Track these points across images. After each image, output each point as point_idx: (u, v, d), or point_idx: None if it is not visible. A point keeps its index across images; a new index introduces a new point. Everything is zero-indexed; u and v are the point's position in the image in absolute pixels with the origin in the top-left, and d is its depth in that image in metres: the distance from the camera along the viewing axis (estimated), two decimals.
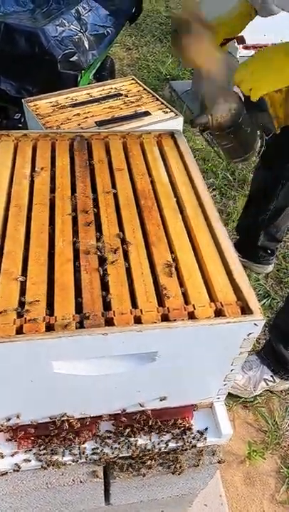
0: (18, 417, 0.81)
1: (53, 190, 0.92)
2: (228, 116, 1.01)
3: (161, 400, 0.86)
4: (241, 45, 2.65)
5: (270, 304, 1.97)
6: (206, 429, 0.90)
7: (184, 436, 0.88)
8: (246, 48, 2.66)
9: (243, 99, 1.00)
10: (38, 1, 2.71)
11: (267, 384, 1.62)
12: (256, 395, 1.63)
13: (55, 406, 0.82)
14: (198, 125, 1.04)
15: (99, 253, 0.78)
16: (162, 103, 2.01)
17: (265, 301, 1.98)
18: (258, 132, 1.10)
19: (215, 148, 1.13)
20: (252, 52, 2.64)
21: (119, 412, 0.87)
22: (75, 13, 2.50)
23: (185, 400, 0.90)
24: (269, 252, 1.96)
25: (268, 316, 1.91)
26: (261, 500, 1.40)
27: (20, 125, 2.47)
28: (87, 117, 1.92)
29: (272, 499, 1.41)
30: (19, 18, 2.46)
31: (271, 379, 1.61)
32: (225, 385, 0.86)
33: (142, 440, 0.88)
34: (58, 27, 2.32)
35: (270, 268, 2.06)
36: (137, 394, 0.83)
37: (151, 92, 2.10)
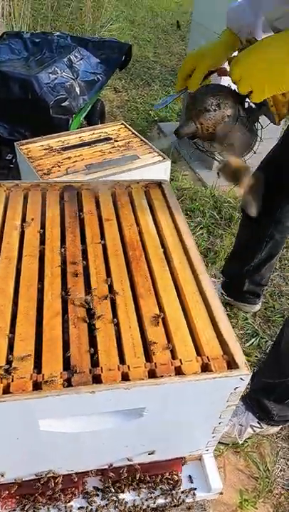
0: (2, 475, 0.79)
1: (42, 241, 0.94)
2: (221, 124, 0.89)
3: (149, 454, 0.85)
4: (222, 77, 2.79)
5: (258, 344, 1.98)
6: (195, 488, 0.88)
7: (173, 492, 0.87)
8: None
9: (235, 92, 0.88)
10: (32, 50, 2.84)
11: (254, 430, 1.60)
12: (246, 439, 1.61)
13: (41, 463, 0.80)
14: (184, 136, 0.94)
15: (87, 306, 0.79)
16: (150, 147, 2.09)
17: (253, 340, 1.98)
18: (255, 128, 0.99)
19: (207, 154, 1.05)
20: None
21: (107, 467, 0.85)
22: (67, 62, 2.63)
23: (173, 454, 0.89)
24: (255, 294, 1.99)
25: (256, 356, 1.91)
26: None
27: (11, 165, 2.53)
28: (77, 161, 1.98)
29: None
30: (14, 65, 2.57)
31: (258, 425, 1.58)
32: (214, 437, 0.86)
33: (129, 496, 0.86)
34: (50, 74, 2.43)
35: (257, 307, 2.08)
36: (124, 449, 0.82)
37: (140, 136, 2.18)
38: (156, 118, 3.86)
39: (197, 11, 3.00)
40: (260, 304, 2.09)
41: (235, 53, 1.04)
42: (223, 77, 1.06)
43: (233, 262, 1.92)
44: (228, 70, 0.89)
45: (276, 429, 1.65)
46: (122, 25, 5.70)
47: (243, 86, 0.84)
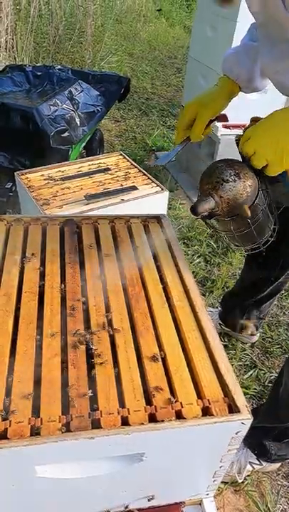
0: None
1: (42, 276, 0.94)
2: (242, 196, 0.79)
3: (148, 500, 0.82)
4: (222, 124, 2.87)
5: (257, 375, 1.96)
6: None
7: None
8: (226, 126, 2.89)
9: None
10: (34, 82, 2.93)
11: (253, 468, 1.56)
12: (246, 476, 1.57)
13: (36, 510, 0.77)
14: (202, 212, 0.81)
15: (86, 345, 0.79)
16: (148, 178, 2.13)
17: (251, 372, 1.96)
18: (273, 210, 0.90)
19: (223, 237, 0.94)
20: (233, 131, 2.86)
21: None
22: (68, 94, 2.70)
23: (173, 498, 0.86)
24: (253, 326, 1.99)
25: (255, 389, 1.89)
26: None
27: (11, 194, 2.55)
28: (76, 191, 2.00)
29: None
30: (15, 97, 2.64)
31: (257, 462, 1.55)
32: (214, 481, 0.83)
33: None
34: (51, 106, 2.49)
35: (255, 338, 2.07)
36: (123, 494, 0.79)
37: (138, 167, 2.22)
38: (153, 147, 3.94)
39: (194, 48, 3.13)
40: (258, 334, 2.08)
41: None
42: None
43: (234, 297, 1.92)
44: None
45: (276, 465, 1.61)
46: (121, 58, 5.91)
47: (258, 159, 0.80)
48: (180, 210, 2.97)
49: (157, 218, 1.18)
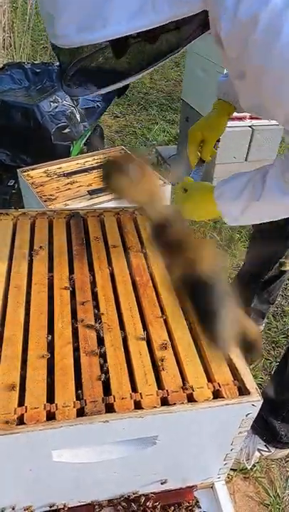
0: (13, 508, 0.78)
1: (51, 268, 0.96)
2: None
3: (161, 484, 0.84)
4: None
5: (263, 365, 1.97)
6: None
7: None
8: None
9: None
10: (33, 79, 2.93)
11: (262, 454, 1.58)
12: (255, 463, 1.58)
13: (53, 494, 0.79)
14: None
15: (97, 334, 0.80)
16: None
17: (257, 361, 1.98)
18: None
19: None
20: (232, 122, 2.85)
21: (119, 497, 0.84)
22: None
23: (186, 482, 0.88)
24: (260, 314, 2.00)
25: (261, 378, 1.90)
26: None
27: (13, 191, 2.57)
28: (79, 186, 2.01)
29: None
30: (15, 95, 2.65)
31: (266, 448, 1.56)
32: (225, 464, 0.85)
33: None
34: (51, 103, 2.50)
35: (260, 328, 2.09)
36: (136, 478, 0.81)
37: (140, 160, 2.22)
38: (154, 142, 3.94)
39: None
40: (263, 324, 2.09)
41: None
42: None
43: (241, 279, 1.93)
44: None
45: (284, 452, 1.63)
46: None
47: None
48: None
49: None
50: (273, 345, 2.05)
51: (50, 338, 0.79)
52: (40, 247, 1.01)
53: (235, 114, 3.61)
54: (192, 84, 3.13)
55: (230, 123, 3.22)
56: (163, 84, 5.61)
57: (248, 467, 1.54)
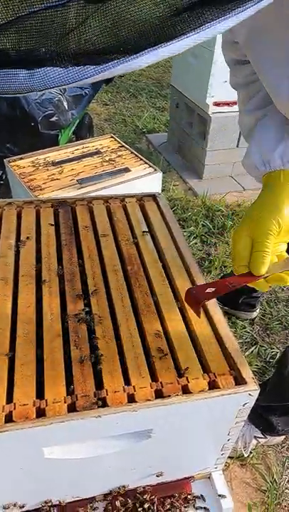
0: (4, 508, 0.76)
1: (39, 259, 0.92)
2: None
3: (157, 476, 0.82)
4: (213, 102, 2.82)
5: (258, 352, 1.97)
6: (207, 508, 0.85)
7: None
8: (217, 104, 2.84)
9: None
10: None
11: (258, 441, 1.58)
12: (252, 449, 1.59)
13: (46, 491, 0.77)
14: None
15: (88, 326, 0.77)
16: (141, 159, 2.09)
17: (252, 348, 1.97)
18: None
19: None
20: (224, 108, 2.81)
21: (114, 491, 0.82)
22: None
23: (182, 473, 0.86)
24: (251, 305, 2.00)
25: (256, 365, 1.90)
26: None
27: (1, 182, 2.51)
28: (68, 175, 1.97)
29: None
30: None
31: (262, 436, 1.57)
32: (222, 454, 0.84)
33: None
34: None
35: (254, 314, 2.08)
36: (131, 472, 0.79)
37: (130, 148, 2.19)
38: (144, 130, 3.88)
39: None
40: (257, 310, 2.09)
41: None
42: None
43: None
44: None
45: (280, 438, 1.63)
46: None
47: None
48: (174, 191, 2.94)
49: (153, 197, 1.15)
50: (268, 331, 2.05)
51: (38, 331, 0.76)
52: (27, 237, 0.97)
53: (224, 98, 3.53)
54: (182, 70, 3.07)
55: (219, 108, 3.17)
56: (152, 71, 5.51)
57: (245, 455, 1.54)
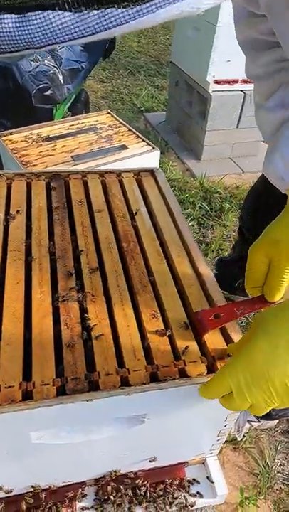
0: None
1: (29, 234, 0.87)
2: None
3: (150, 461, 0.79)
4: (213, 80, 2.72)
5: None
6: (201, 494, 0.83)
7: (177, 500, 0.81)
8: (217, 82, 2.75)
9: None
10: None
11: (252, 425, 1.57)
12: (245, 433, 1.57)
13: (33, 477, 0.74)
14: None
15: (80, 305, 0.73)
16: (138, 136, 2.02)
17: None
18: None
19: None
20: (224, 86, 2.72)
21: (106, 476, 0.79)
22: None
23: (176, 459, 0.83)
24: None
25: None
26: None
27: None
28: (63, 151, 1.90)
29: None
30: None
31: (255, 419, 1.55)
32: (218, 440, 0.81)
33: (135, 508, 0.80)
34: (31, 62, 2.32)
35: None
36: (124, 457, 0.76)
37: (127, 125, 2.11)
38: (142, 108, 3.78)
39: None
40: None
41: None
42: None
43: (229, 264, 1.88)
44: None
45: (274, 422, 1.62)
46: None
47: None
48: (171, 172, 2.87)
49: (151, 172, 1.10)
50: None
51: (27, 310, 0.71)
52: (17, 211, 0.92)
53: (225, 77, 3.42)
54: (182, 45, 2.96)
55: (219, 87, 3.07)
56: (151, 49, 5.35)
57: (239, 439, 1.52)
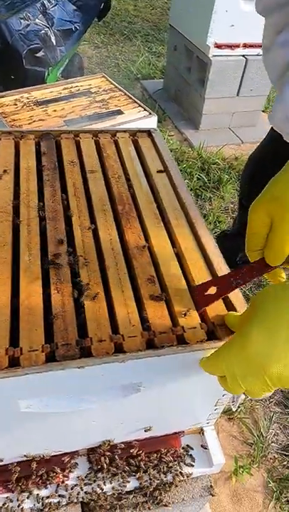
0: None
1: (17, 195, 0.81)
2: None
3: (145, 431, 0.77)
4: (214, 43, 2.60)
5: None
6: (194, 459, 0.81)
7: (172, 469, 0.79)
8: (218, 46, 2.62)
9: None
10: None
11: (247, 396, 1.56)
12: (240, 404, 1.57)
13: (24, 446, 0.71)
14: None
15: (71, 268, 0.68)
16: (135, 101, 1.93)
17: (245, 307, 1.92)
18: None
19: None
20: (225, 51, 2.60)
21: (100, 446, 0.77)
22: (40, 7, 2.37)
23: (172, 428, 0.81)
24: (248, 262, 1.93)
25: None
26: None
27: None
28: (55, 116, 1.81)
29: None
30: None
31: None
32: (216, 409, 0.78)
33: (130, 478, 0.78)
34: (22, 20, 2.19)
35: None
36: (118, 426, 0.73)
37: (123, 89, 2.01)
38: (138, 75, 3.63)
39: None
40: None
41: None
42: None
43: (230, 238, 1.84)
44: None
45: (269, 393, 1.62)
46: None
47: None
48: (169, 142, 2.78)
49: (148, 132, 1.03)
50: (260, 288, 1.99)
51: (15, 273, 0.66)
52: (5, 170, 0.85)
53: (226, 40, 3.29)
54: (182, 6, 2.80)
55: (220, 51, 2.95)
56: (148, 13, 5.11)
57: (234, 409, 1.52)
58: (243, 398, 1.58)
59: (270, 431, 1.54)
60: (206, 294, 0.64)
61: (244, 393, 0.56)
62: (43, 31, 2.29)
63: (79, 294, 0.64)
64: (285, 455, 1.48)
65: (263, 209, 0.58)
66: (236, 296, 0.67)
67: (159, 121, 2.91)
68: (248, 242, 0.62)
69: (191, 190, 2.48)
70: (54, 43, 2.39)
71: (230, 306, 0.66)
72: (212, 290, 0.64)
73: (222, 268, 0.72)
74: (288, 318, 0.49)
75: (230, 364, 0.53)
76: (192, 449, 0.83)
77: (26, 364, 0.54)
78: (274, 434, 1.54)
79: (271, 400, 1.64)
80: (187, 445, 0.83)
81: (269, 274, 0.62)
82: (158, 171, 0.91)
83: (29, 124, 1.74)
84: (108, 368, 0.57)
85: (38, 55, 2.23)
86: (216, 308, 0.65)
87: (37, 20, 2.28)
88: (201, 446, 0.84)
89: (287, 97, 0.61)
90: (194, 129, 2.92)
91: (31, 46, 2.17)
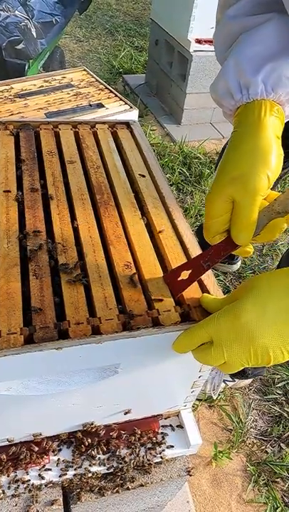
0: None
1: None
2: None
3: (125, 414, 0.79)
4: (194, 39, 2.62)
5: None
6: (172, 440, 0.84)
7: (150, 451, 0.82)
8: (199, 41, 2.64)
9: None
10: None
11: (227, 384, 1.60)
12: (220, 392, 1.61)
13: (6, 430, 0.72)
14: None
15: (50, 255, 0.69)
16: (116, 95, 1.94)
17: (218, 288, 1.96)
18: None
19: None
20: (206, 46, 2.62)
21: (78, 429, 0.79)
22: None
23: (151, 411, 0.83)
24: (231, 256, 1.96)
25: None
26: (229, 502, 1.37)
27: None
28: (35, 109, 1.80)
29: (240, 499, 1.39)
30: None
31: (230, 379, 1.59)
32: (192, 392, 0.81)
33: (101, 459, 0.80)
34: (1, 12, 2.16)
35: (235, 267, 2.05)
36: (97, 409, 0.75)
37: (104, 83, 2.01)
38: (120, 70, 3.63)
39: None
40: (238, 263, 2.06)
41: None
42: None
43: None
44: None
45: (248, 381, 1.66)
46: None
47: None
48: (151, 136, 2.80)
49: (126, 124, 1.04)
50: (241, 280, 2.04)
51: None
52: None
53: (207, 36, 3.34)
54: (164, 1, 2.81)
55: (201, 46, 2.98)
56: (130, 7, 5.10)
57: (214, 397, 1.56)
58: (223, 386, 1.62)
59: (249, 417, 1.58)
60: (178, 279, 0.67)
61: (218, 367, 0.58)
62: (23, 23, 2.28)
63: (56, 279, 0.66)
64: (264, 440, 1.53)
65: (222, 195, 0.57)
66: (209, 278, 0.70)
67: (141, 116, 2.92)
68: (209, 230, 0.61)
69: (172, 184, 2.51)
70: (34, 36, 2.38)
71: (204, 289, 0.68)
72: (184, 275, 0.66)
73: (195, 250, 0.74)
74: (279, 294, 0.52)
75: (220, 330, 0.54)
76: (172, 429, 0.86)
77: (5, 346, 0.56)
78: (253, 420, 1.59)
79: (250, 387, 1.68)
80: (164, 426, 0.86)
81: (237, 251, 0.63)
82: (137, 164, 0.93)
83: (9, 116, 1.73)
84: (86, 350, 0.59)
85: (18, 47, 2.21)
86: (190, 291, 0.67)
87: (16, 12, 2.26)
88: (177, 426, 0.86)
89: (231, 70, 0.61)
90: (176, 123, 2.94)
91: (11, 38, 2.15)
